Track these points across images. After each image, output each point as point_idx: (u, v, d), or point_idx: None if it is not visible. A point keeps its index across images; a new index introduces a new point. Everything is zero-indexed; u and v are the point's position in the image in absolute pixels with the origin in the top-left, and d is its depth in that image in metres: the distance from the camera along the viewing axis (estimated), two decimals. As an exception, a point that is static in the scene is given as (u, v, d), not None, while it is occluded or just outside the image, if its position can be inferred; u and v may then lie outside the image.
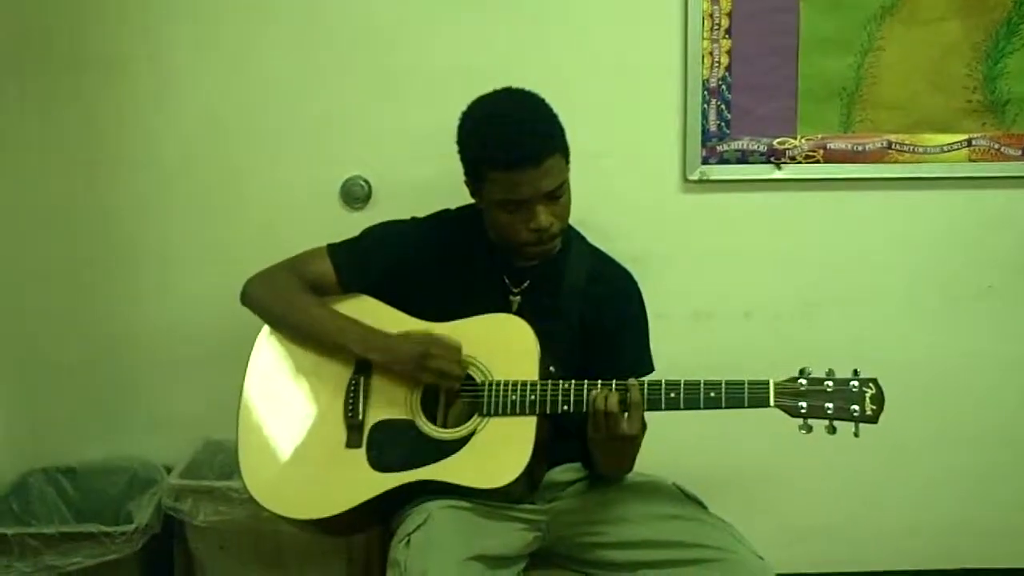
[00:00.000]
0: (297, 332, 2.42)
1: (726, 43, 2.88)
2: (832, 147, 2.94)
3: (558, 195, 2.27)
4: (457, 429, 2.30)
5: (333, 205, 2.94)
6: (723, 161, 2.94)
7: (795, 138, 2.93)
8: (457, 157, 2.33)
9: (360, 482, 2.27)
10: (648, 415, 2.23)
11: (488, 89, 2.33)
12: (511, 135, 2.22)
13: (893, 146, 2.94)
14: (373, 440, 2.32)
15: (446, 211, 2.53)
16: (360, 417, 2.33)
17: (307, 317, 2.39)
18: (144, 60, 2.88)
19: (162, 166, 2.93)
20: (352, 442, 2.32)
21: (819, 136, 2.93)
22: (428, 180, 2.75)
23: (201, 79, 2.90)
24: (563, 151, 2.29)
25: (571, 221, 2.38)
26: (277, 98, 2.91)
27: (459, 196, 2.42)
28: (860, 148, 2.94)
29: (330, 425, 2.34)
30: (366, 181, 2.93)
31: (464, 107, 2.33)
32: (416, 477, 2.25)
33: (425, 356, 2.28)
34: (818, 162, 2.95)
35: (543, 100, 2.30)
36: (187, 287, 2.99)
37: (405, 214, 2.54)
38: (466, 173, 2.34)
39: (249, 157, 2.93)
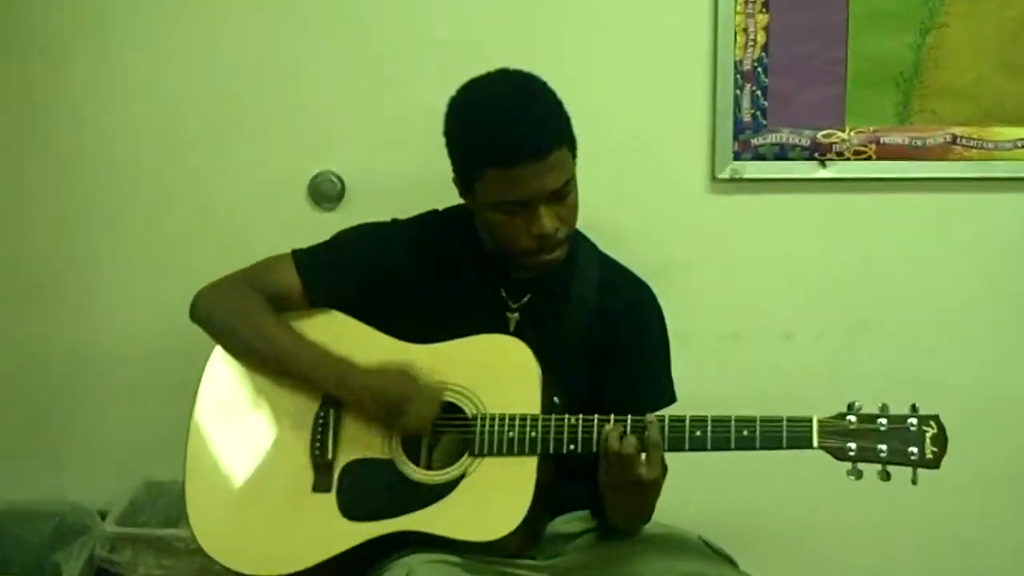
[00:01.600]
0: (254, 359, 2.42)
1: (763, 18, 2.88)
2: (886, 142, 2.94)
3: (564, 194, 2.27)
4: (444, 471, 2.29)
5: (300, 204, 2.95)
6: (758, 157, 2.94)
7: (843, 130, 2.93)
8: (444, 150, 2.33)
9: (329, 532, 2.26)
10: (669, 456, 2.22)
11: (481, 71, 2.33)
12: (510, 125, 2.21)
13: (958, 141, 2.94)
14: (345, 483, 2.31)
15: (432, 213, 2.53)
16: (329, 456, 2.32)
17: (266, 342, 2.39)
18: (90, 41, 2.90)
19: (103, 159, 2.95)
20: (320, 485, 2.31)
21: (871, 129, 2.94)
22: (411, 176, 2.77)
23: (153, 63, 2.91)
24: (570, 143, 2.29)
25: (578, 225, 2.38)
26: (237, 83, 2.92)
27: (447, 195, 2.41)
28: (919, 143, 2.94)
29: (294, 465, 2.33)
30: (338, 177, 2.93)
31: (453, 92, 2.32)
32: (395, 527, 2.24)
33: (405, 402, 2.28)
34: (869, 159, 2.95)
35: (545, 84, 2.29)
36: (128, 300, 2.99)
37: (384, 215, 2.53)
38: (455, 170, 2.33)
39: (204, 150, 2.95)
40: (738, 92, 2.91)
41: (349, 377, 2.33)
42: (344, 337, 2.39)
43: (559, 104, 2.28)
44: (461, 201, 2.40)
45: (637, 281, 2.50)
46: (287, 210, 2.93)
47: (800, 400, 2.18)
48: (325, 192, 2.93)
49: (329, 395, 2.35)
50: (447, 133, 2.32)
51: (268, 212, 2.93)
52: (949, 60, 2.90)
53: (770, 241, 3.01)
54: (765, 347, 3.04)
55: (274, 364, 2.39)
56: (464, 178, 2.32)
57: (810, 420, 2.14)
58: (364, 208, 2.77)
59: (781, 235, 3.01)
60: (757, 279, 3.02)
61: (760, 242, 3.01)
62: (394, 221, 2.52)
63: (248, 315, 2.41)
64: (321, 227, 2.53)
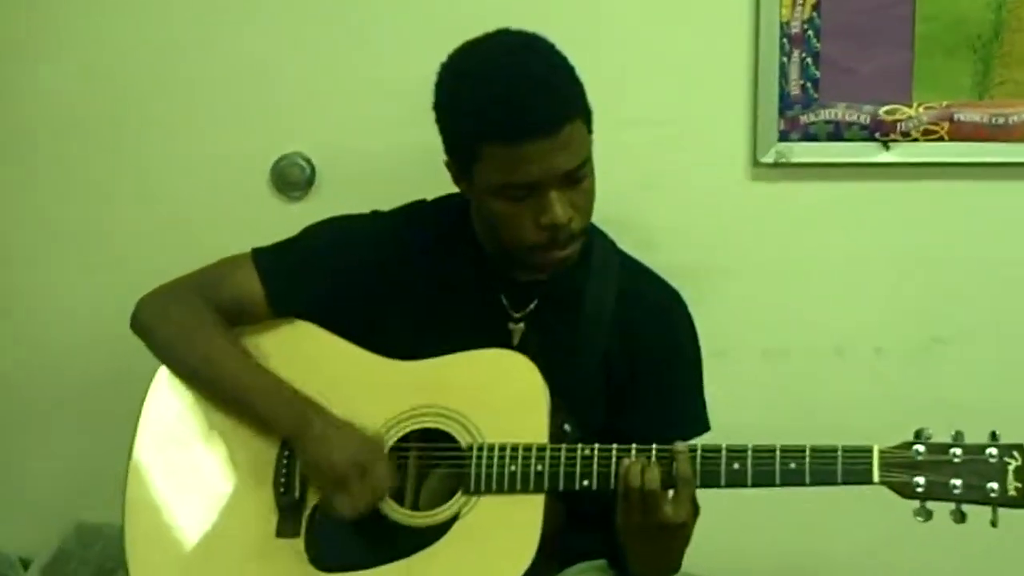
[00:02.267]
0: (199, 385, 2.44)
1: (814, -29, 2.91)
2: (961, 119, 2.95)
3: (579, 177, 2.26)
4: (434, 512, 2.29)
5: (263, 193, 2.97)
6: (809, 137, 2.95)
7: (910, 106, 2.94)
8: (435, 127, 2.34)
9: (297, 586, 2.28)
10: (702, 494, 2.22)
11: (478, 33, 2.33)
12: (515, 93, 2.20)
13: (1048, 118, 2.96)
14: (315, 527, 2.32)
15: (419, 203, 2.54)
16: (297, 495, 2.33)
17: (214, 369, 2.40)
18: (20, 5, 2.92)
19: (31, 145, 2.97)
20: (286, 530, 2.32)
21: (943, 104, 2.94)
22: (392, 159, 2.81)
23: (90, 32, 2.93)
24: (585, 116, 2.29)
25: (594, 219, 2.39)
26: (189, 54, 2.94)
27: (437, 181, 2.42)
28: (1000, 121, 2.95)
29: (255, 506, 2.35)
30: (307, 160, 2.95)
31: (444, 58, 2.32)
32: (375, 580, 2.26)
33: (349, 478, 2.27)
34: (942, 139, 2.95)
35: (553, 46, 2.30)
36: (60, 307, 3.02)
37: (361, 206, 2.54)
38: (448, 150, 2.34)
39: (152, 130, 2.96)
40: (784, 60, 2.92)
41: (309, 425, 2.32)
42: (316, 354, 2.41)
43: (571, 70, 2.28)
44: (455, 189, 2.40)
45: (663, 286, 2.50)
46: (247, 200, 2.95)
47: (857, 430, 2.18)
48: (292, 178, 2.95)
49: None
50: (438, 106, 2.32)
51: (225, 203, 2.95)
52: (1036, 21, 2.91)
53: (822, 238, 3.02)
54: (815, 366, 3.05)
55: (220, 393, 2.41)
56: (459, 159, 2.32)
57: (870, 450, 2.14)
58: (337, 197, 2.81)
59: (835, 231, 3.02)
60: (805, 284, 3.03)
61: (810, 239, 3.02)
62: (374, 214, 2.53)
63: (195, 331, 2.43)
64: (287, 220, 2.54)
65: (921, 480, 2.11)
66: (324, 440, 2.29)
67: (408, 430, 2.34)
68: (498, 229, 2.32)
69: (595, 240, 2.46)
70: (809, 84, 2.93)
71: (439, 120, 2.33)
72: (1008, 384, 3.04)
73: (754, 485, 2.17)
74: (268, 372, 2.38)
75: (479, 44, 2.31)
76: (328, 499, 2.28)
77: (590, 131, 2.30)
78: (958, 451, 2.12)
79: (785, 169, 2.96)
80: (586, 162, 2.27)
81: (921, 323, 3.06)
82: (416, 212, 2.53)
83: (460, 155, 2.31)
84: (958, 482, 2.10)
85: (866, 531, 2.80)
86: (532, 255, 2.31)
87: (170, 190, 2.97)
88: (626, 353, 2.41)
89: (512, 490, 2.25)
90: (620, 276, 2.46)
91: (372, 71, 2.90)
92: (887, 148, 2.96)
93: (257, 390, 2.37)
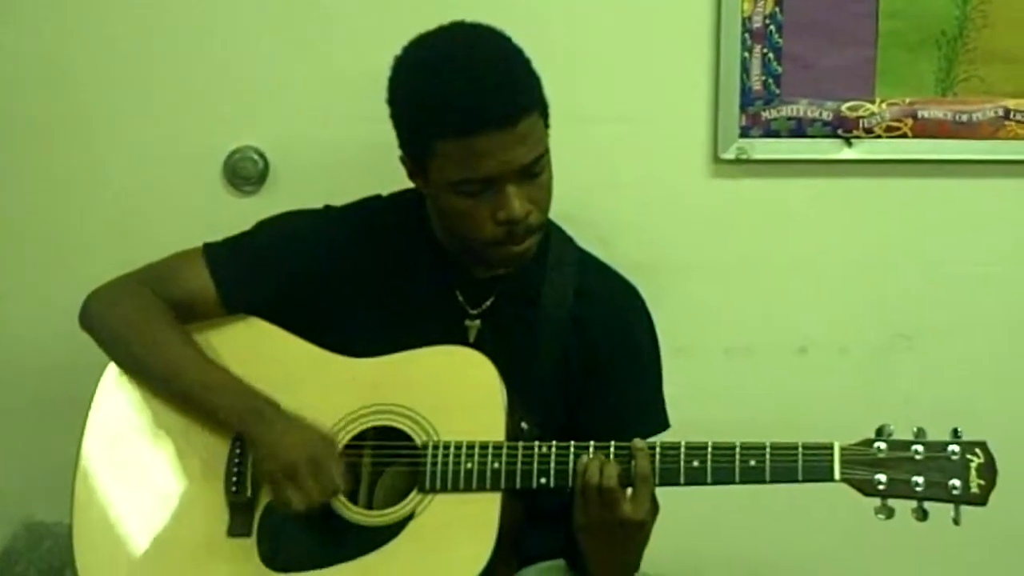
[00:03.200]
0: (148, 380, 2.42)
1: (776, -35, 2.91)
2: (925, 115, 2.95)
3: (536, 172, 2.26)
4: (388, 511, 2.28)
5: (214, 187, 2.95)
6: (770, 134, 2.95)
7: (873, 102, 2.95)
8: (390, 121, 2.32)
9: (248, 586, 2.27)
10: (661, 492, 2.22)
11: (433, 25, 2.32)
12: (470, 87, 2.20)
13: (1011, 115, 2.95)
14: (267, 526, 2.31)
15: (374, 198, 2.53)
16: (249, 493, 2.32)
17: (165, 364, 2.39)
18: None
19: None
20: (237, 529, 2.31)
21: (907, 100, 2.95)
22: (348, 153, 2.80)
23: (37, 18, 2.90)
24: (541, 110, 2.29)
25: (552, 216, 2.38)
26: (142, 43, 2.92)
27: (393, 175, 2.41)
28: (964, 118, 2.95)
29: (206, 504, 2.33)
30: (260, 154, 2.94)
31: (399, 51, 2.31)
32: (329, 580, 2.25)
33: (300, 473, 2.24)
34: (905, 136, 2.96)
35: (508, 39, 2.29)
36: (7, 301, 3.00)
37: (315, 201, 2.53)
38: (403, 145, 2.33)
39: (103, 124, 2.94)
40: (746, 55, 2.92)
41: (259, 420, 2.31)
42: (269, 351, 2.40)
43: (527, 62, 2.28)
44: (410, 184, 2.40)
45: (622, 283, 2.50)
46: (199, 194, 2.94)
47: (819, 428, 2.17)
48: (244, 172, 2.93)
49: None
50: (392, 100, 2.31)
51: (178, 197, 2.94)
52: (1001, 17, 2.91)
53: (783, 235, 3.03)
54: (777, 364, 3.06)
55: (171, 390, 2.40)
56: (414, 154, 2.31)
57: (831, 447, 2.14)
58: (291, 191, 2.81)
59: (797, 228, 3.03)
60: (768, 282, 3.03)
61: (772, 237, 3.02)
62: (327, 209, 2.52)
63: (144, 326, 2.41)
64: (240, 214, 2.54)
65: (883, 477, 2.11)
66: (276, 434, 2.29)
67: (363, 428, 2.33)
68: (455, 225, 2.32)
69: (553, 236, 2.46)
70: (771, 80, 2.93)
71: (393, 115, 2.32)
72: (972, 382, 3.06)
73: (714, 483, 2.17)
74: (219, 367, 2.38)
75: (432, 37, 2.31)
76: (279, 494, 2.26)
77: (547, 124, 2.30)
78: (920, 448, 2.12)
79: (746, 165, 2.96)
80: (543, 156, 2.27)
81: (884, 321, 3.07)
82: (371, 207, 2.52)
83: (415, 150, 2.30)
84: (920, 479, 2.11)
85: (827, 531, 2.81)
86: (489, 250, 2.31)
87: (122, 184, 2.95)
88: (584, 350, 2.41)
89: (468, 488, 2.24)
90: (578, 272, 2.46)
91: (327, 64, 2.90)
92: (850, 145, 2.96)
93: (208, 385, 2.35)
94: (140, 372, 2.42)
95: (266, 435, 2.29)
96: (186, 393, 2.37)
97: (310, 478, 2.23)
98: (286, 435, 2.28)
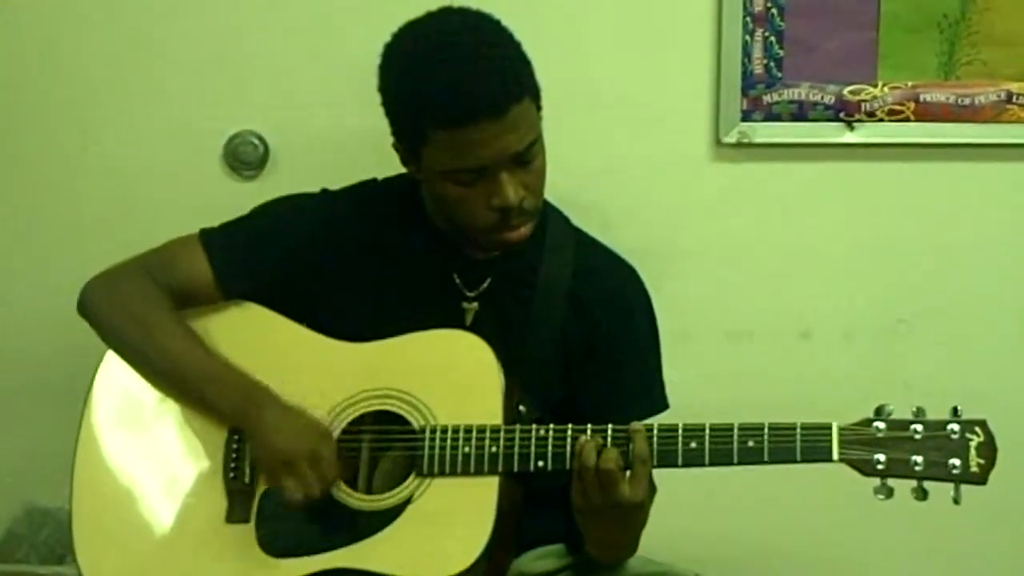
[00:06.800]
0: (146, 369, 2.42)
1: (777, -52, 2.91)
2: (927, 99, 2.94)
3: (529, 158, 2.25)
4: (385, 495, 2.27)
5: (214, 172, 2.95)
6: (772, 117, 2.94)
7: (875, 86, 2.94)
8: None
9: (247, 571, 2.27)
10: (659, 474, 2.22)
11: (434, 8, 2.32)
12: (459, 75, 2.19)
13: (1014, 99, 2.95)
14: (266, 512, 2.30)
15: (370, 182, 2.53)
16: (247, 479, 2.32)
17: (162, 352, 2.38)
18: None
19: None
20: (236, 515, 2.31)
21: (909, 84, 2.94)
22: (346, 138, 2.79)
23: (39, 3, 2.90)
24: (533, 95, 2.28)
25: (550, 199, 2.39)
26: (142, 27, 2.91)
27: (391, 162, 2.40)
28: (967, 101, 2.95)
29: (204, 490, 2.33)
30: (260, 138, 2.94)
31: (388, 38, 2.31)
32: (327, 564, 2.23)
33: (296, 466, 2.24)
34: (907, 120, 2.95)
35: (498, 23, 2.29)
36: (6, 287, 3.00)
37: (315, 185, 2.53)
38: (396, 133, 2.33)
39: (103, 108, 2.94)
40: (747, 38, 2.91)
41: (256, 409, 2.31)
42: (266, 337, 2.40)
43: (517, 46, 2.27)
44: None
45: (619, 263, 2.50)
46: (199, 179, 2.94)
47: (821, 413, 2.17)
48: (244, 156, 2.93)
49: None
50: (383, 90, 2.31)
51: (177, 181, 2.94)
52: (1003, 1, 2.91)
53: (785, 219, 3.02)
54: (778, 348, 3.06)
55: (167, 377, 2.39)
56: (407, 143, 2.31)
57: (829, 427, 2.13)
58: (291, 176, 2.80)
59: (798, 212, 3.02)
60: (770, 266, 3.03)
61: (773, 221, 3.02)
62: (323, 193, 2.52)
63: (142, 314, 2.41)
64: (240, 198, 2.54)
65: (882, 457, 2.11)
66: (272, 426, 2.28)
67: (360, 412, 2.32)
68: (449, 211, 2.32)
69: (550, 217, 2.46)
70: (772, 63, 2.92)
71: (384, 104, 2.32)
72: (975, 366, 3.05)
73: (712, 464, 2.17)
74: (216, 357, 2.37)
75: (421, 24, 2.30)
76: (277, 485, 2.26)
77: (539, 108, 2.30)
78: (919, 427, 2.12)
79: (748, 149, 2.95)
80: (536, 141, 2.27)
81: (887, 305, 3.07)
82: (367, 191, 2.52)
83: (407, 139, 2.31)
84: (919, 459, 2.10)
85: (827, 512, 2.82)
86: (485, 236, 2.32)
87: (122, 168, 2.95)
88: (582, 330, 2.41)
89: (466, 472, 2.24)
90: (575, 253, 2.45)
91: (327, 49, 2.90)
92: (851, 128, 2.96)
93: (205, 377, 2.35)
94: (138, 361, 2.42)
95: (262, 428, 2.29)
96: (182, 384, 2.38)
97: (307, 470, 2.23)
98: (281, 427, 2.28)
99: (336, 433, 2.31)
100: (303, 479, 2.23)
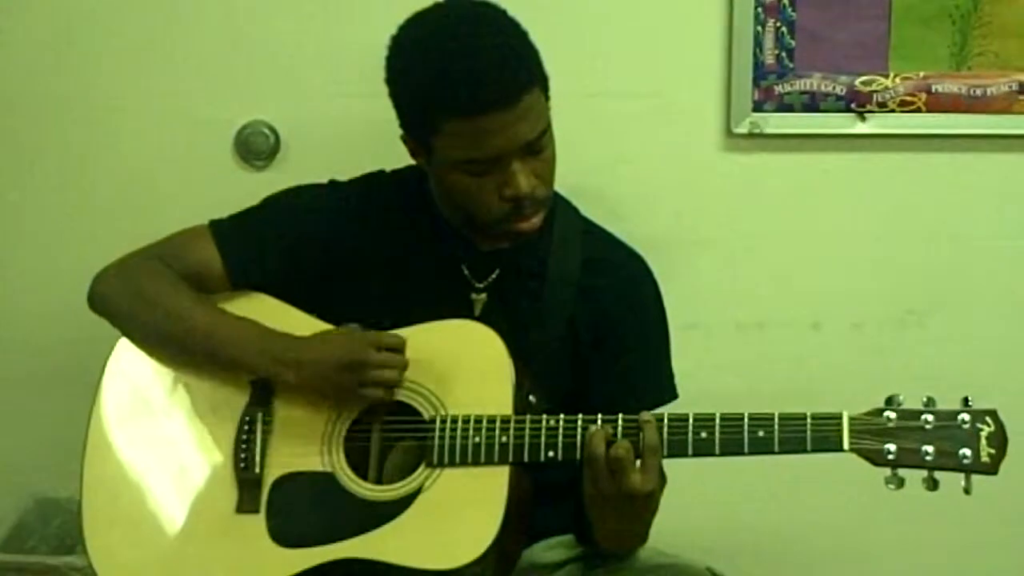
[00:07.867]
0: (168, 345, 2.41)
1: (789, -62, 2.90)
2: (939, 90, 2.93)
3: (540, 147, 2.26)
4: (396, 486, 2.27)
5: (226, 162, 2.95)
6: (783, 108, 2.93)
7: (886, 76, 2.93)
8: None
9: (257, 561, 2.26)
10: (669, 464, 2.21)
11: (430, 1, 2.33)
12: (469, 67, 2.19)
13: (1026, 89, 2.95)
14: (276, 502, 2.30)
15: (378, 173, 2.53)
16: (257, 469, 2.32)
17: (176, 321, 2.38)
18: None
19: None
20: (246, 505, 2.31)
21: (920, 75, 2.93)
22: (357, 129, 2.78)
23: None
24: (542, 84, 2.28)
25: (560, 190, 2.38)
26: (153, 18, 2.90)
27: (402, 152, 2.41)
28: (978, 92, 2.93)
29: (214, 481, 2.33)
30: (271, 129, 2.93)
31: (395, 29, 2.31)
32: (337, 554, 2.23)
33: (364, 365, 2.26)
34: (919, 111, 2.94)
35: (504, 13, 2.29)
36: (17, 276, 3.00)
37: (325, 175, 2.53)
38: (404, 125, 2.33)
39: (113, 99, 2.93)
40: (759, 29, 2.90)
41: (287, 349, 2.32)
42: (275, 326, 2.37)
43: (525, 36, 2.27)
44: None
45: (629, 254, 2.51)
46: (210, 169, 2.93)
47: (832, 404, 2.17)
48: (255, 147, 2.93)
49: (259, 387, 2.35)
50: (391, 81, 2.31)
51: (188, 171, 2.94)
52: (1016, -9, 2.91)
53: (796, 210, 3.01)
54: (789, 339, 3.05)
55: (189, 347, 2.39)
56: (416, 135, 2.32)
57: (839, 417, 2.13)
58: (302, 166, 2.78)
59: (810, 203, 3.01)
60: (781, 257, 3.02)
61: (784, 211, 3.01)
62: (332, 183, 2.52)
63: (156, 292, 2.40)
64: (251, 189, 2.54)
65: (892, 447, 2.11)
66: (318, 347, 2.32)
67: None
68: (460, 202, 2.33)
69: (559, 208, 2.46)
70: (784, 54, 2.91)
71: (392, 95, 2.32)
72: (986, 357, 3.05)
73: (722, 454, 2.17)
74: (236, 316, 2.38)
75: (428, 15, 2.31)
76: (352, 398, 2.30)
77: (548, 98, 2.30)
78: (930, 417, 2.12)
79: (759, 140, 2.94)
80: (546, 130, 2.28)
81: (898, 296, 3.06)
82: (375, 182, 2.52)
83: (416, 131, 2.31)
84: (930, 449, 2.10)
85: (837, 502, 2.81)
86: (496, 227, 2.32)
87: (133, 158, 2.94)
88: (591, 320, 2.41)
89: (476, 462, 2.24)
90: (584, 243, 2.46)
91: (339, 39, 2.89)
92: (863, 119, 2.94)
93: (229, 330, 2.37)
94: (151, 336, 2.42)
95: (310, 351, 2.31)
96: (202, 347, 2.37)
97: (379, 362, 2.26)
98: (328, 339, 2.32)
99: (346, 424, 2.32)
100: (379, 374, 2.26)
